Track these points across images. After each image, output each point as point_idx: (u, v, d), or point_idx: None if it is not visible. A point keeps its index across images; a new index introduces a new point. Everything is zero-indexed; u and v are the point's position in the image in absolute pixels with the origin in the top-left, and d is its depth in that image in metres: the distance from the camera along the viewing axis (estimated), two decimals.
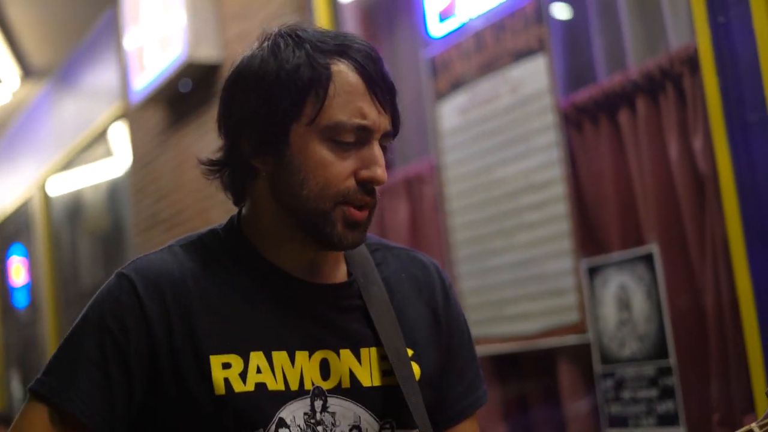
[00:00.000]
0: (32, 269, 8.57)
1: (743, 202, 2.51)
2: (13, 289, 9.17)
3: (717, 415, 2.71)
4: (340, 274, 1.54)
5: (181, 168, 5.42)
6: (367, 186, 1.43)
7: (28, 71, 7.21)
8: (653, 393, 2.88)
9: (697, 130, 2.71)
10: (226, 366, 1.42)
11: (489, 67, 3.38)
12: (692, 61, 2.68)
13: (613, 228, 3.01)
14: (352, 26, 4.15)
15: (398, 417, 1.50)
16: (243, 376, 1.43)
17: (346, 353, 1.49)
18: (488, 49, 3.39)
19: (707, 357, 2.74)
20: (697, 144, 2.71)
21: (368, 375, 1.50)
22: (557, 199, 3.17)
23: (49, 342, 7.61)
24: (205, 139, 5.14)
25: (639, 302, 2.91)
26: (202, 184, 5.77)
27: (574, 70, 3.23)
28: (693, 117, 2.72)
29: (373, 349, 1.51)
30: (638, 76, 2.88)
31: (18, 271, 9.02)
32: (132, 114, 6.08)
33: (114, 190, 7.10)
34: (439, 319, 1.60)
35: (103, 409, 1.41)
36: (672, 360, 2.81)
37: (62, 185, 7.95)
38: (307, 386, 1.46)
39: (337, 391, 1.47)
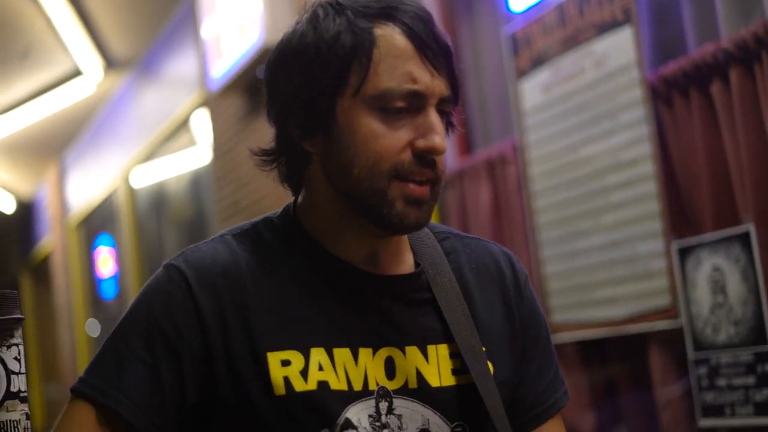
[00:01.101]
0: (120, 260, 8.65)
1: None
2: (101, 280, 9.28)
3: None
4: (406, 264, 1.42)
5: None
6: (425, 157, 1.31)
7: (110, 63, 7.24)
8: (750, 380, 2.72)
9: None
10: (286, 363, 1.32)
11: (572, 41, 3.25)
12: None
13: (707, 207, 2.86)
14: (429, 4, 4.04)
15: (471, 420, 1.38)
16: (304, 374, 1.32)
17: (412, 350, 1.37)
18: (571, 22, 3.25)
19: None
20: None
21: (437, 374, 1.38)
22: (646, 177, 3.02)
23: None
24: None
25: (734, 285, 2.75)
26: None
27: (662, 41, 3.08)
28: None
29: (442, 346, 1.39)
30: (731, 45, 2.72)
31: (106, 262, 9.11)
32: (212, 102, 6.06)
33: (197, 180, 7.11)
34: (513, 313, 1.47)
35: (152, 409, 1.31)
36: None
37: (146, 176, 7.99)
38: (371, 386, 1.34)
39: (404, 391, 1.36)
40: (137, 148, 7.74)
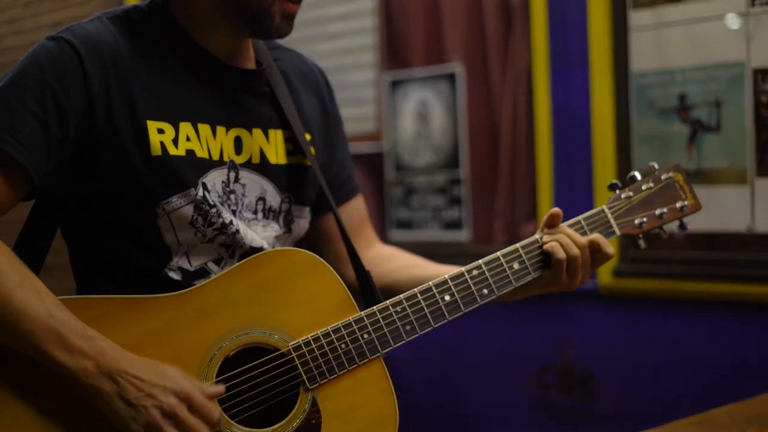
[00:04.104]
0: None
1: (553, 30, 2.77)
2: None
3: (500, 222, 3.03)
4: (252, 63, 1.68)
5: None
6: None
7: None
8: (442, 200, 3.16)
9: None
10: (161, 131, 1.54)
11: None
12: None
13: (419, 45, 3.20)
14: None
15: (296, 193, 1.70)
16: (175, 142, 1.55)
17: (257, 132, 1.65)
18: None
19: (497, 172, 3.04)
20: None
21: (275, 153, 1.67)
22: (365, 12, 3.31)
23: None
24: None
25: (437, 117, 3.14)
26: None
27: None
28: None
29: (280, 132, 1.68)
30: None
31: None
32: None
33: None
34: (327, 113, 1.80)
35: (41, 157, 1.48)
36: (463, 172, 3.08)
37: None
38: (225, 158, 1.61)
39: (248, 165, 1.64)
40: None
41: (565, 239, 1.63)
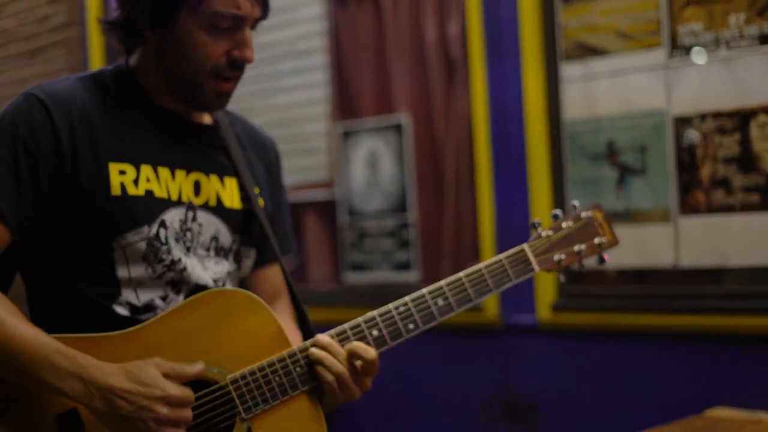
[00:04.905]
0: None
1: (492, 83, 2.97)
2: None
3: (446, 262, 3.20)
4: (207, 118, 1.86)
5: None
6: (237, 63, 1.72)
7: None
8: (392, 243, 3.33)
9: (451, 18, 3.12)
10: (122, 172, 1.70)
11: None
12: None
13: (368, 98, 3.39)
14: None
15: (246, 235, 1.88)
16: (136, 182, 1.71)
17: (214, 178, 1.82)
18: None
19: (442, 216, 3.22)
20: (453, 31, 3.12)
21: (230, 198, 1.84)
22: (317, 67, 3.50)
23: None
24: None
25: (387, 165, 3.33)
26: None
27: None
28: (449, 5, 3.12)
29: (234, 179, 1.85)
30: None
31: None
32: None
33: None
34: (273, 180, 1.98)
35: (14, 204, 1.64)
36: (411, 216, 3.26)
37: None
38: (184, 199, 1.77)
39: (205, 207, 1.80)
40: None
41: (330, 358, 1.67)
